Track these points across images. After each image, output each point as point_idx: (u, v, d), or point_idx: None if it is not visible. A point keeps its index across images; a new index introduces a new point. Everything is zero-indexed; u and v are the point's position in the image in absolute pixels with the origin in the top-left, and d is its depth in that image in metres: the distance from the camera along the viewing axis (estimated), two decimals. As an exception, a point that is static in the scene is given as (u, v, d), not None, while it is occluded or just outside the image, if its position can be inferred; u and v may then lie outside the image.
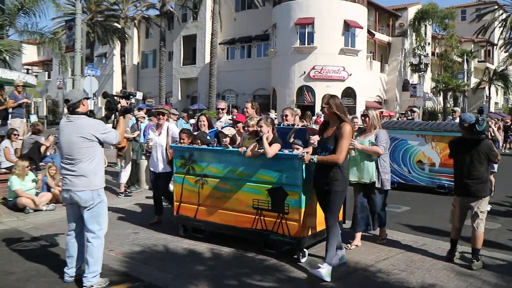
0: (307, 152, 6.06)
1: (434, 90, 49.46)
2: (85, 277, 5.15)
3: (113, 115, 5.69)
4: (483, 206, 6.27)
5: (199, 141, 7.60)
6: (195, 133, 8.22)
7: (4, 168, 10.47)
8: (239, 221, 6.63)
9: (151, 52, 53.52)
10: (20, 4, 19.85)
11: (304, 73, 37.19)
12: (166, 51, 46.23)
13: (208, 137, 7.85)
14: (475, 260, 6.15)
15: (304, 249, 6.24)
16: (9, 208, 9.11)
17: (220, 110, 9.89)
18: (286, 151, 6.35)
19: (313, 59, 37.04)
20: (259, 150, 6.32)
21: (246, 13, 43.90)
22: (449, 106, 48.29)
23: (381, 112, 36.53)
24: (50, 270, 5.74)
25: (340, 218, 6.83)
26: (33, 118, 28.37)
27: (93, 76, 22.14)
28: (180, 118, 13.26)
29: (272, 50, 39.51)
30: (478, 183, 6.22)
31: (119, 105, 5.63)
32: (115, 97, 5.69)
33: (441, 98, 50.80)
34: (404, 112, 33.55)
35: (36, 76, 44.60)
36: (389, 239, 7.38)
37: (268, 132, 6.38)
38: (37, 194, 9.40)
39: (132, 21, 48.07)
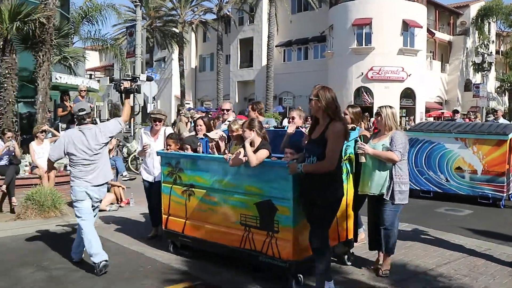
0: (295, 160, 4.99)
1: (498, 90, 47.69)
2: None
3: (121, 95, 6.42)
4: None
5: (188, 147, 6.73)
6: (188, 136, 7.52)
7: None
8: (227, 239, 5.69)
9: (208, 55, 54.33)
10: (84, 12, 20.70)
11: (362, 74, 36.79)
12: (223, 54, 46.78)
13: (199, 143, 6.84)
14: None
15: (299, 275, 5.14)
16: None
17: (224, 111, 8.30)
18: (274, 159, 5.40)
19: (371, 60, 36.58)
20: (243, 158, 5.38)
21: (303, 15, 43.86)
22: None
23: (442, 113, 35.70)
24: (115, 267, 5.98)
25: (350, 235, 5.98)
26: (125, 84, 29.26)
27: (153, 80, 22.70)
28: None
29: (329, 51, 39.30)
30: None
31: (122, 87, 6.30)
32: (122, 80, 6.36)
33: (506, 98, 48.95)
34: (466, 113, 32.58)
35: (98, 81, 46.09)
36: (451, 242, 7.17)
37: (252, 136, 5.49)
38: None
39: (189, 25, 48.99)
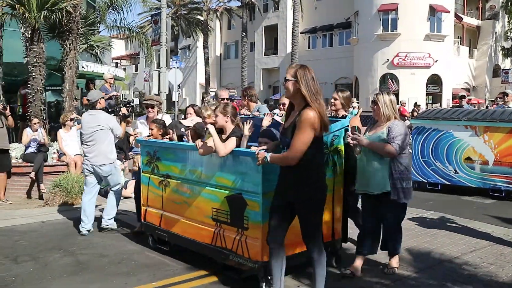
0: (266, 150, 4.40)
1: (528, 75, 46.74)
2: (104, 218, 7.06)
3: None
4: None
5: (171, 132, 6.26)
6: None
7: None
8: (199, 234, 5.31)
9: (233, 43, 54.24)
10: (109, 1, 20.77)
11: (388, 60, 36.34)
12: (248, 42, 46.64)
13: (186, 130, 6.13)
14: None
15: (270, 277, 4.53)
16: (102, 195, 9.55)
17: (223, 100, 7.07)
18: (255, 149, 4.64)
19: (397, 46, 36.08)
20: (213, 146, 4.90)
21: (327, 1, 43.37)
22: (545, 92, 45.51)
23: (470, 99, 35.05)
24: (136, 253, 6.05)
25: (337, 235, 5.42)
26: (123, 110, 29.59)
27: (177, 68, 22.83)
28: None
29: (354, 38, 38.90)
30: None
31: (120, 113, 7.50)
32: (120, 106, 7.63)
33: (536, 84, 47.97)
34: (494, 99, 32.01)
35: (124, 69, 46.51)
36: (477, 230, 7.12)
37: (220, 122, 5.05)
38: (126, 182, 9.78)
39: (214, 13, 48.95)
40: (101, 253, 6.13)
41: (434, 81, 36.91)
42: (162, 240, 5.98)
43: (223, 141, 4.92)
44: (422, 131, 10.57)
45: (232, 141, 4.87)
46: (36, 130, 10.16)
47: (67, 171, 9.72)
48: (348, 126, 5.29)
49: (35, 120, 10.43)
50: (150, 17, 36.33)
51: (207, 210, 5.17)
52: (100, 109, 7.14)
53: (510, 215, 8.45)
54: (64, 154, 10.25)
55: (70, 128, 10.38)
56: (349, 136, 5.12)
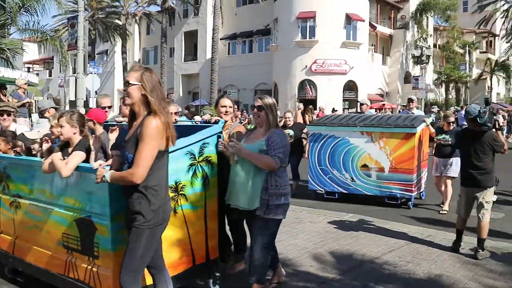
0: (110, 166, 3.72)
1: (436, 81, 49.48)
2: None
3: None
4: (489, 196, 6.37)
5: (22, 144, 5.57)
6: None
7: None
8: (51, 263, 4.52)
9: (152, 48, 53.65)
10: (21, 1, 19.87)
11: (306, 67, 37.26)
12: (167, 47, 46.30)
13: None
14: (481, 249, 6.21)
15: None
16: None
17: (105, 109, 6.45)
18: (94, 163, 3.87)
19: (315, 53, 37.11)
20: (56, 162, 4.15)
21: (247, 7, 43.96)
22: (451, 97, 48.25)
23: (383, 104, 36.57)
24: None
25: (214, 254, 4.87)
26: (35, 117, 28.43)
27: (95, 74, 22.19)
28: (183, 115, 13.20)
29: (273, 44, 39.58)
30: (483, 174, 6.33)
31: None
32: None
33: (443, 90, 50.78)
34: (406, 104, 33.48)
35: (37, 74, 44.64)
36: (395, 230, 7.44)
37: (66, 134, 4.37)
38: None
39: (133, 17, 48.24)
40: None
41: (350, 87, 38.21)
42: (17, 271, 5.15)
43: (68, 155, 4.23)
44: (319, 138, 10.10)
45: (77, 156, 4.17)
46: None
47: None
48: (221, 132, 4.83)
49: None
50: (66, 20, 35.13)
51: (58, 236, 4.41)
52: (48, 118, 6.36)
53: (422, 214, 8.92)
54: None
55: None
56: (221, 144, 4.65)
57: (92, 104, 23.83)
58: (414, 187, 9.36)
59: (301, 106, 21.91)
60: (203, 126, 4.91)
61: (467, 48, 50.45)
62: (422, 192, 10.27)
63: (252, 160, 4.42)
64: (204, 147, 4.67)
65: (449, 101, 45.33)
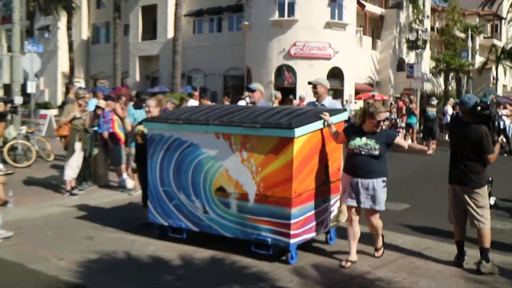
0: None
1: (434, 70, 49.82)
2: None
3: None
4: (481, 200, 6.34)
5: None
6: None
7: None
8: None
9: (103, 25, 52.85)
10: None
11: (284, 50, 37.16)
12: (122, 24, 45.65)
13: None
14: (484, 260, 6.22)
15: None
16: None
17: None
18: None
19: (294, 34, 37.03)
20: None
21: (216, -21, 43.68)
22: (451, 88, 48.72)
23: (373, 95, 36.79)
24: None
25: None
26: None
27: (34, 53, 21.79)
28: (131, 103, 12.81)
29: (246, 23, 39.33)
30: (470, 172, 6.35)
31: None
32: None
33: (441, 80, 51.22)
34: (399, 96, 33.76)
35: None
36: (387, 242, 7.41)
37: None
38: None
39: (80, -13, 47.37)
40: None
41: (335, 74, 38.14)
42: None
43: None
44: (161, 142, 7.42)
45: None
46: None
47: None
48: None
49: None
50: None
51: None
52: None
53: (420, 223, 8.96)
54: None
55: None
56: None
57: (30, 88, 23.42)
58: (296, 229, 6.48)
59: (279, 95, 21.67)
60: None
61: (469, 32, 50.87)
62: (329, 235, 7.50)
63: None
64: None
65: (448, 93, 45.75)
